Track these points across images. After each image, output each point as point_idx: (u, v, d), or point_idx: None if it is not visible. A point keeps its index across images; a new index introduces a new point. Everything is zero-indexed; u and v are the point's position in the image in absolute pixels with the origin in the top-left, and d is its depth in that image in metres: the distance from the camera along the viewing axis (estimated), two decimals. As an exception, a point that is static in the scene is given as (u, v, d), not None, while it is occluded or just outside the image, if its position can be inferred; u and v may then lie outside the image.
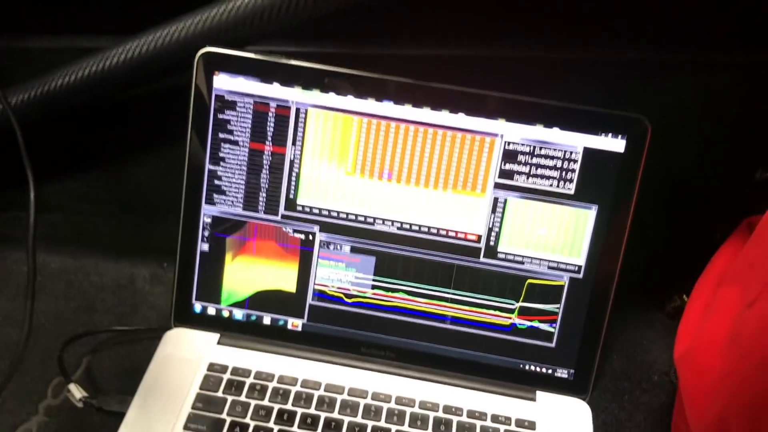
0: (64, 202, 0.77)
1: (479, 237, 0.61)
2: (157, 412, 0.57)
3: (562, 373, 0.63)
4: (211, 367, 0.61)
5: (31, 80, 0.64)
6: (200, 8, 0.61)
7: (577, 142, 0.58)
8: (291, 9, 0.57)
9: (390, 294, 0.63)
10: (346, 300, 0.63)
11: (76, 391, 0.59)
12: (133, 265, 0.74)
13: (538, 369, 0.63)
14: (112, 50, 0.62)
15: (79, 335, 0.65)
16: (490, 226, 0.60)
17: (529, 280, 0.61)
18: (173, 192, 0.62)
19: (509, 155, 0.59)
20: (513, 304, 0.62)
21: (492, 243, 0.61)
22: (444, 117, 0.58)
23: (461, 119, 0.58)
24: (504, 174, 0.59)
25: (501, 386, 0.62)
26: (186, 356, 0.61)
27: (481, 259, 0.61)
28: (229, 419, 0.57)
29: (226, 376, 0.60)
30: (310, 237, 0.62)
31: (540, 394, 0.62)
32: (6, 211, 0.76)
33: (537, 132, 0.58)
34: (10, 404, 0.60)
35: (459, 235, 0.61)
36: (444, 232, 0.61)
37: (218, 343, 0.63)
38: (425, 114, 0.58)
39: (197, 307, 0.64)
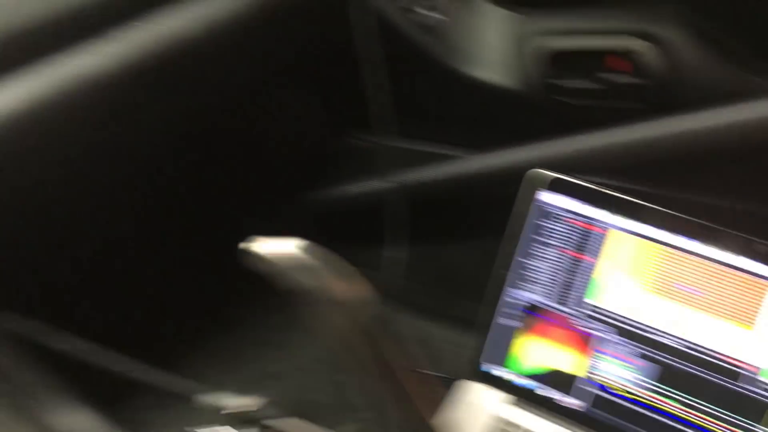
0: (394, 269, 0.96)
1: (752, 366, 0.67)
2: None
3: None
4: (496, 418, 0.74)
5: (407, 172, 0.86)
6: (537, 139, 0.79)
7: None
8: (612, 158, 0.73)
9: (663, 400, 0.70)
10: (623, 395, 0.72)
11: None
12: (438, 327, 0.92)
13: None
14: (463, 159, 0.82)
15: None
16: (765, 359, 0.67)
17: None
18: (484, 274, 0.77)
19: (784, 299, 0.66)
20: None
21: (763, 374, 0.67)
22: (728, 257, 0.67)
23: (742, 261, 0.67)
24: (779, 314, 0.66)
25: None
26: (475, 403, 0.75)
27: (752, 387, 0.67)
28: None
29: (509, 429, 0.73)
30: (597, 333, 0.72)
31: None
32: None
33: (815, 284, 0.65)
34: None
35: (732, 361, 0.68)
36: (718, 356, 0.68)
37: (502, 401, 0.76)
38: (712, 251, 0.68)
39: (487, 367, 0.77)
